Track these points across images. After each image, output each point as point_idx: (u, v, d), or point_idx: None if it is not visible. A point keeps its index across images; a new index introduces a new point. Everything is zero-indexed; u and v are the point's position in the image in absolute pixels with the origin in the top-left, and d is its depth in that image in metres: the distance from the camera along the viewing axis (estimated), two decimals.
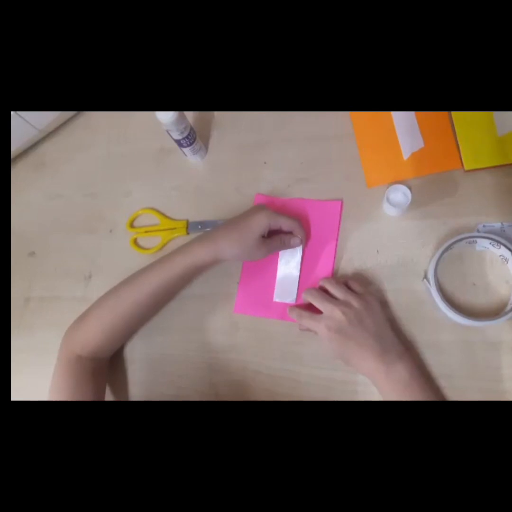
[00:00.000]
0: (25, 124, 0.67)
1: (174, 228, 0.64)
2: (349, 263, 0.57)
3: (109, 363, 0.59)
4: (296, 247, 0.57)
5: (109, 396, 0.59)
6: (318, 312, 0.52)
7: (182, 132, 0.59)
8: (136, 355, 0.60)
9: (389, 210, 0.56)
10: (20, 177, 0.73)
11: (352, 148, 0.61)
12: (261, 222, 0.52)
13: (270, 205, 0.59)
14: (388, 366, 0.48)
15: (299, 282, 0.57)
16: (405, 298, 0.54)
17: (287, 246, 0.56)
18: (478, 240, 0.52)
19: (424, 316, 0.53)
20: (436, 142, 0.58)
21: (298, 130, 0.64)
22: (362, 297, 0.51)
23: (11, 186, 0.73)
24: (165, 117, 0.55)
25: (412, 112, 0.60)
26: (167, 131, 0.58)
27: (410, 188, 0.54)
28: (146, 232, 0.65)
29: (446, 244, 0.52)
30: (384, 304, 0.54)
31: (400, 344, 0.50)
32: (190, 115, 0.66)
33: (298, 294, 0.57)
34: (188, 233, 0.63)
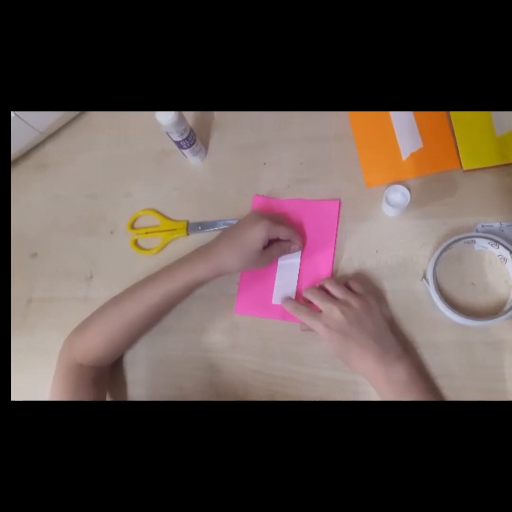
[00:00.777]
0: (26, 126, 0.67)
1: (175, 229, 0.64)
2: (349, 263, 0.57)
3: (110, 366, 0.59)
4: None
5: (109, 396, 0.59)
6: (318, 311, 0.52)
7: (182, 134, 0.59)
8: (137, 356, 0.60)
9: (388, 211, 0.56)
10: (21, 179, 0.74)
11: (351, 148, 0.61)
12: (260, 235, 0.53)
13: (268, 207, 0.59)
14: (388, 367, 0.48)
15: (298, 284, 0.58)
16: (404, 298, 0.54)
17: (286, 252, 0.57)
18: (477, 240, 0.52)
19: (423, 316, 0.53)
20: (435, 142, 0.59)
21: (297, 130, 0.64)
22: (362, 298, 0.51)
23: (13, 187, 0.73)
24: (165, 119, 0.55)
25: (411, 113, 0.60)
26: (167, 133, 0.59)
27: (409, 189, 0.54)
28: (146, 233, 0.65)
29: (445, 244, 0.52)
30: (383, 304, 0.54)
31: (399, 345, 0.50)
32: (190, 116, 0.66)
33: (296, 297, 0.57)
34: (188, 234, 0.63)
